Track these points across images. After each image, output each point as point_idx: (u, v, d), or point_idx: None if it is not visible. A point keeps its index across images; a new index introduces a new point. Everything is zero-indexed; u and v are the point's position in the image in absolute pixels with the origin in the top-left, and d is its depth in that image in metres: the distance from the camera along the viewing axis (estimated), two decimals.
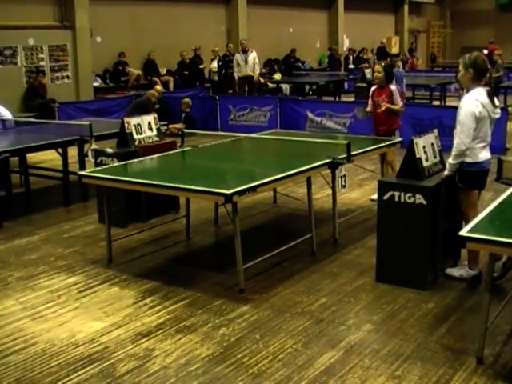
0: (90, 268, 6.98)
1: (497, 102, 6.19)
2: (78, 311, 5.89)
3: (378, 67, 9.68)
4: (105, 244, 7.20)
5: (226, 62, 21.03)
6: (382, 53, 30.33)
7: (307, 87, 23.59)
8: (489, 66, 6.23)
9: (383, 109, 9.14)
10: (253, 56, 19.82)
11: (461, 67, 6.15)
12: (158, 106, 15.22)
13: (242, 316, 5.71)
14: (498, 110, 6.20)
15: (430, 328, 5.42)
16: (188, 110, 16.25)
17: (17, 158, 10.11)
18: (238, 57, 19.87)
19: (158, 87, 15.16)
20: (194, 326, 5.53)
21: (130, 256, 7.33)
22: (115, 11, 19.59)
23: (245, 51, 19.86)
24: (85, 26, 18.31)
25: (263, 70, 24.62)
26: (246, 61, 19.67)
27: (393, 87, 9.40)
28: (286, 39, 26.13)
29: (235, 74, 20.07)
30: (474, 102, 5.95)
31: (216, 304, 5.97)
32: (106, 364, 4.94)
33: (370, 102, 9.48)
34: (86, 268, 6.98)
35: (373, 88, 9.62)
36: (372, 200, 9.07)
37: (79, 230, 8.31)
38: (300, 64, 26.82)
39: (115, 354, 5.09)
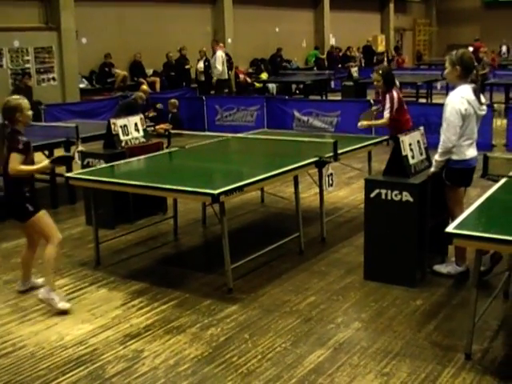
0: (78, 270, 6.96)
1: (483, 99, 6.21)
2: (66, 314, 5.86)
3: (376, 76, 9.09)
4: (92, 246, 7.19)
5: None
6: (367, 51, 30.44)
7: (294, 86, 23.60)
8: (475, 63, 6.25)
9: (364, 125, 9.17)
10: (216, 55, 19.97)
11: (447, 64, 6.16)
12: (160, 105, 15.29)
13: (230, 316, 5.71)
14: (484, 107, 6.23)
15: (419, 325, 5.44)
16: (175, 110, 16.23)
17: None
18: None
19: (145, 87, 15.13)
20: (182, 327, 5.53)
21: (118, 257, 7.31)
22: (101, 12, 19.54)
23: (214, 52, 20.10)
24: (70, 28, 18.26)
25: (250, 70, 24.66)
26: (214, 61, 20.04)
27: (389, 95, 8.95)
28: (272, 39, 26.15)
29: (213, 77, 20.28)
30: (459, 100, 5.97)
31: (204, 304, 5.97)
32: (95, 366, 4.93)
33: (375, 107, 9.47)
34: (73, 270, 6.96)
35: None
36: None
37: (67, 232, 8.27)
38: (287, 63, 26.84)
39: (104, 356, 5.07)
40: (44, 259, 6.03)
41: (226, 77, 20.53)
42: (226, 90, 20.43)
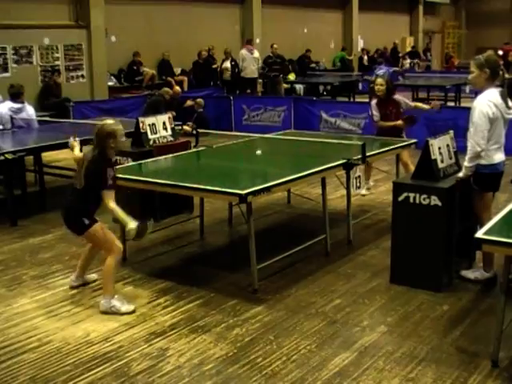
0: None
1: (510, 103, 6.15)
2: (92, 310, 5.90)
3: (380, 80, 9.28)
4: None
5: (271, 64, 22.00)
6: (393, 53, 30.30)
7: (321, 88, 23.55)
8: (502, 67, 6.20)
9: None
10: (254, 55, 21.01)
11: (474, 68, 6.09)
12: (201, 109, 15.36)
13: (255, 316, 5.71)
14: None
15: (445, 330, 5.40)
16: (200, 109, 16.25)
17: (32, 157, 10.15)
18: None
19: (177, 88, 15.16)
20: (207, 326, 5.54)
21: (144, 255, 7.34)
22: (130, 11, 19.63)
23: (250, 51, 20.97)
24: (100, 26, 18.35)
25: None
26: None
27: (397, 97, 9.38)
28: (300, 39, 26.11)
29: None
30: (487, 103, 5.92)
31: (230, 304, 5.97)
32: (120, 363, 4.95)
33: (377, 113, 9.29)
34: (100, 267, 6.98)
35: (375, 101, 9.36)
36: (363, 195, 9.45)
37: None
38: (314, 64, 26.78)
39: (129, 354, 5.10)
40: (104, 270, 6.02)
41: (256, 75, 21.05)
42: (249, 91, 20.74)
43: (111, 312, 5.82)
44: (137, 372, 4.82)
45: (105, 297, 5.92)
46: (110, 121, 6.05)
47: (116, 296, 5.94)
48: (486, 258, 6.28)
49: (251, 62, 20.66)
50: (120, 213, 5.80)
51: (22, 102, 10.40)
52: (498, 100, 5.98)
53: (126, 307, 5.88)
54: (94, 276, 6.59)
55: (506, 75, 6.28)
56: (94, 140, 5.91)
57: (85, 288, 6.42)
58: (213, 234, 8.10)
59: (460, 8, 40.39)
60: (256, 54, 21.09)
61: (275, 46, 22.33)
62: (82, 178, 5.83)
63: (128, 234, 5.94)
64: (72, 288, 6.42)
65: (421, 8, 35.64)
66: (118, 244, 6.04)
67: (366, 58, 29.01)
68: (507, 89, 6.24)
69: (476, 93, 6.27)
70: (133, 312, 5.85)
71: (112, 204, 5.77)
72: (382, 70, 14.63)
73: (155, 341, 5.31)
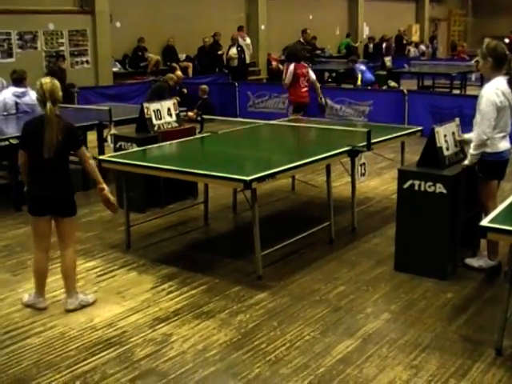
0: (109, 253, 7.01)
1: None
2: (96, 295, 5.90)
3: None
4: (123, 229, 7.22)
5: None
6: (399, 41, 30.16)
7: (326, 74, 23.45)
8: (508, 54, 6.15)
9: None
10: (247, 42, 21.30)
11: (479, 58, 6.09)
12: (185, 90, 15.28)
13: (259, 303, 5.71)
14: None
15: (449, 318, 5.40)
16: (205, 96, 16.23)
17: None
18: None
19: (179, 73, 15.14)
20: (211, 312, 5.54)
21: (148, 241, 7.34)
22: None
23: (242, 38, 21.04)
24: (104, 11, 18.28)
25: (282, 57, 24.55)
26: None
27: (286, 67, 11.72)
28: (305, 26, 25.94)
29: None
30: (494, 91, 5.89)
31: (234, 290, 5.97)
32: (124, 348, 4.96)
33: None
34: (104, 252, 7.00)
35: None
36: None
37: (98, 214, 8.32)
38: (320, 51, 26.66)
39: (133, 339, 5.11)
40: (70, 265, 5.67)
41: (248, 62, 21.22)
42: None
43: (80, 307, 5.64)
44: (140, 357, 4.83)
45: (72, 295, 5.67)
46: (47, 78, 5.61)
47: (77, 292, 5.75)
48: (491, 247, 6.27)
49: (245, 48, 20.77)
50: (98, 172, 5.70)
51: (25, 87, 10.36)
52: (506, 88, 5.95)
53: (90, 297, 5.79)
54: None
55: None
56: (51, 97, 5.43)
57: (89, 274, 6.42)
58: (217, 221, 8.10)
59: None
60: (248, 40, 21.34)
61: (309, 31, 21.06)
62: (52, 146, 5.36)
63: (108, 199, 5.74)
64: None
65: None
66: None
67: (371, 45, 28.85)
68: None
69: (482, 81, 6.23)
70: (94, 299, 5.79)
71: (92, 161, 5.68)
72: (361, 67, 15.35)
73: (159, 326, 5.31)
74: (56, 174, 5.50)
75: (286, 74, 11.51)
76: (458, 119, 6.68)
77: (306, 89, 11.47)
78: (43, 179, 5.50)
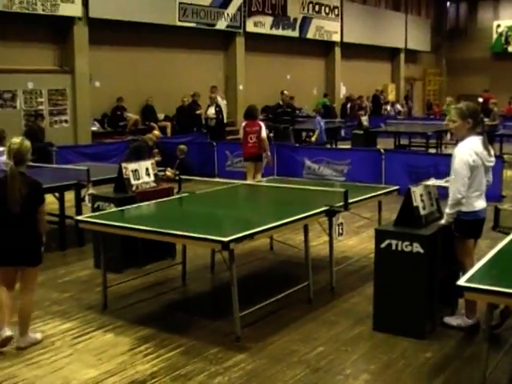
0: (85, 314, 6.92)
1: (492, 151, 6.23)
2: (72, 357, 5.82)
3: None
4: (100, 290, 7.16)
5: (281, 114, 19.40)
6: (375, 100, 30.61)
7: (304, 134, 23.68)
8: (481, 114, 6.28)
9: None
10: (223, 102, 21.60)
11: (456, 118, 6.18)
12: (156, 150, 15.30)
13: (238, 364, 5.65)
14: (493, 159, 6.24)
15: (428, 378, 5.38)
16: (182, 156, 16.32)
17: None
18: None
19: (156, 132, 15.22)
20: (189, 375, 5.47)
21: (126, 302, 7.27)
22: (114, 56, 19.79)
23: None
24: (84, 71, 18.47)
25: (260, 117, 24.75)
26: None
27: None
28: (283, 86, 26.26)
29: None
30: (467, 151, 5.99)
31: (212, 352, 5.91)
32: None
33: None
34: (80, 314, 6.92)
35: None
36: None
37: (74, 274, 8.26)
38: (297, 111, 26.94)
39: None
40: (28, 308, 6.11)
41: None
42: None
43: (30, 345, 6.02)
44: None
45: (23, 334, 6.06)
46: (20, 137, 6.22)
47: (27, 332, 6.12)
48: (469, 305, 6.27)
49: (223, 108, 21.07)
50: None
51: (4, 146, 10.34)
52: (479, 148, 6.05)
53: (38, 334, 6.22)
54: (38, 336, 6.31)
55: (487, 122, 6.37)
56: (14, 158, 5.94)
57: (65, 335, 6.33)
58: (195, 281, 8.05)
59: (440, 56, 41.01)
60: (224, 101, 21.99)
61: (286, 92, 19.97)
62: (17, 202, 5.82)
63: None
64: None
65: (402, 56, 36.16)
66: None
67: (349, 105, 29.25)
68: (487, 136, 6.33)
69: (457, 140, 6.34)
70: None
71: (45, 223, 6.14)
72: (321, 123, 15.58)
73: None
74: (22, 227, 5.90)
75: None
76: (433, 178, 6.73)
77: (252, 145, 12.65)
78: (9, 232, 5.90)
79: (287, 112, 19.26)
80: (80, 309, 7.08)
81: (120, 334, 6.40)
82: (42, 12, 17.22)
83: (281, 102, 19.48)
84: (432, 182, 6.56)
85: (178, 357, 5.83)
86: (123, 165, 8.62)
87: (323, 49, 29.88)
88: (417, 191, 6.31)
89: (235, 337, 6.13)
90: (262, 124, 12.99)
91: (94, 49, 18.64)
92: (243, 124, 12.89)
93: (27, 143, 6.05)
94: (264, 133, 12.72)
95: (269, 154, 13.03)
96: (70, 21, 18.10)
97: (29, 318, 6.15)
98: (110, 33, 19.39)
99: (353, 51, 30.50)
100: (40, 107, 17.70)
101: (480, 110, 6.30)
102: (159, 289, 7.74)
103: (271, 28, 25.72)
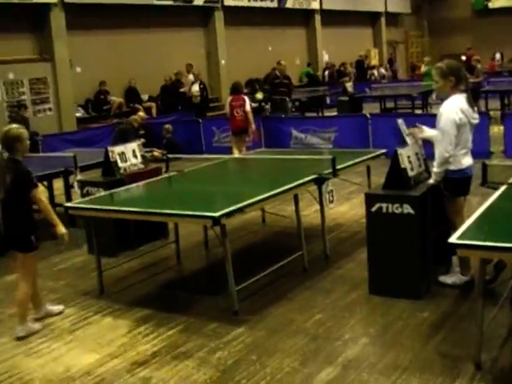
0: (82, 300, 6.93)
1: (475, 108, 6.22)
2: (72, 344, 5.85)
3: None
4: (95, 275, 7.16)
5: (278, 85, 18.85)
6: (359, 66, 30.50)
7: (290, 104, 23.61)
8: (465, 71, 6.27)
9: None
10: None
11: (438, 78, 6.16)
12: (142, 132, 15.24)
13: (237, 338, 5.68)
14: (477, 116, 6.23)
15: (426, 337, 5.41)
16: (169, 135, 16.28)
17: None
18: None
19: (141, 114, 15.17)
20: (189, 352, 5.50)
21: (122, 285, 7.28)
22: (94, 41, 19.64)
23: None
24: (64, 58, 18.35)
25: (244, 90, 24.67)
26: None
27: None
28: (266, 58, 26.20)
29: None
30: (454, 109, 5.99)
31: (210, 328, 5.93)
32: None
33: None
34: (77, 300, 6.93)
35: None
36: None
37: (69, 262, 8.26)
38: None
39: None
40: (20, 296, 6.16)
41: None
42: None
43: (29, 334, 6.07)
44: None
45: (22, 323, 6.12)
46: (14, 125, 6.31)
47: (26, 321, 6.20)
48: (463, 262, 6.31)
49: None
50: (52, 211, 6.10)
51: None
52: (465, 105, 6.04)
53: (37, 324, 6.25)
54: (59, 308, 6.58)
55: (471, 79, 6.36)
56: (3, 145, 6.06)
57: (64, 323, 6.34)
58: (189, 259, 8.07)
59: (422, 17, 40.82)
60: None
61: (283, 62, 19.24)
62: (1, 187, 5.95)
63: (62, 237, 6.16)
64: (36, 320, 6.38)
65: (383, 20, 36.04)
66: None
67: (327, 72, 29.09)
68: (471, 93, 6.32)
69: (442, 98, 6.33)
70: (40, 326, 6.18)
71: (45, 199, 6.15)
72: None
73: (138, 370, 5.26)
74: (7, 213, 6.02)
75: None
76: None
77: (240, 118, 13.16)
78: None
79: (284, 83, 18.88)
80: (77, 295, 7.08)
81: (118, 317, 6.42)
82: (16, 1, 17.06)
83: (277, 73, 19.20)
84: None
85: (178, 335, 5.86)
86: (109, 148, 8.59)
87: (303, 18, 29.75)
88: (404, 153, 6.31)
89: (233, 311, 6.15)
90: (246, 98, 13.52)
91: (73, 34, 18.51)
92: (229, 99, 13.39)
93: (14, 131, 6.05)
94: (248, 106, 13.20)
95: (253, 126, 13.25)
96: (45, 7, 17.98)
97: (21, 307, 6.16)
98: (87, 17, 19.24)
99: (333, 18, 30.37)
100: (22, 97, 17.59)
101: (462, 67, 6.28)
102: (154, 269, 7.75)
103: (249, 0, 25.54)
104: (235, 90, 13.49)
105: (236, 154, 12.67)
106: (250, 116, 13.21)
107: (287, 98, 18.87)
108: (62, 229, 6.13)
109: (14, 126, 6.27)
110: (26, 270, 6.15)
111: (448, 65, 6.15)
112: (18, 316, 6.15)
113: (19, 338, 6.00)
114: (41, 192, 6.13)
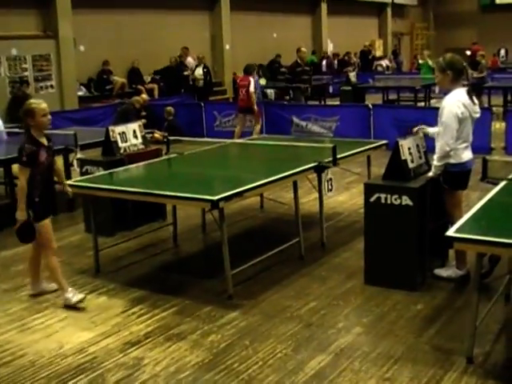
0: (78, 278, 6.94)
1: (476, 101, 6.20)
2: (66, 322, 5.85)
3: None
4: (92, 254, 7.16)
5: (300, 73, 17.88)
6: (364, 56, 30.42)
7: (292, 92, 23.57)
8: (465, 65, 6.24)
9: None
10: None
11: (437, 72, 6.18)
12: (144, 113, 15.21)
13: (230, 322, 5.69)
14: (478, 110, 6.21)
15: (420, 329, 5.42)
16: (171, 117, 16.25)
17: (1, 169, 10.04)
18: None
19: (144, 96, 15.14)
20: (183, 334, 5.51)
21: (118, 265, 7.29)
22: (99, 20, 19.54)
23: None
24: (68, 36, 18.25)
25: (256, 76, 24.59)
26: None
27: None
28: (270, 44, 26.14)
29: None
30: (456, 103, 5.97)
31: (205, 311, 5.94)
32: (95, 374, 4.91)
33: None
34: (73, 278, 6.92)
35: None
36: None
37: (66, 240, 8.26)
38: (284, 69, 26.78)
39: (104, 364, 5.05)
40: (46, 267, 6.30)
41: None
42: None
43: (68, 305, 6.13)
44: (112, 382, 4.79)
45: (62, 293, 6.22)
46: (33, 100, 6.29)
47: (69, 289, 6.20)
48: (459, 256, 6.32)
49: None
50: (22, 198, 5.91)
51: None
52: (467, 100, 6.03)
53: (76, 297, 6.15)
54: (53, 286, 6.53)
55: (475, 74, 6.33)
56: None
57: (59, 300, 6.34)
58: (186, 241, 8.07)
59: (428, 9, 40.70)
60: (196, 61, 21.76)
61: (303, 49, 18.56)
62: None
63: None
64: (31, 296, 6.44)
65: (389, 10, 35.89)
66: (54, 245, 6.27)
67: (324, 62, 28.93)
68: (472, 88, 6.30)
69: (445, 92, 6.31)
70: (83, 298, 6.16)
71: (22, 181, 5.88)
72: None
73: (130, 350, 5.27)
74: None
75: None
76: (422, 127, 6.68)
77: (243, 97, 14.11)
78: None
79: (305, 71, 17.87)
80: (72, 273, 7.08)
81: (113, 296, 6.43)
82: None
83: (299, 61, 17.97)
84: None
85: (172, 317, 5.87)
86: (110, 128, 8.58)
87: (309, 6, 29.63)
88: (405, 144, 6.30)
89: (227, 295, 6.16)
90: (252, 80, 14.15)
91: (78, 12, 18.40)
92: (239, 79, 14.70)
93: (25, 106, 6.02)
94: (252, 87, 13.94)
95: (255, 107, 14.01)
96: None
97: (54, 278, 6.27)
98: None
99: (339, 7, 30.23)
100: (25, 73, 17.51)
101: (461, 60, 6.25)
102: (151, 250, 7.76)
103: None
104: (245, 70, 14.40)
105: (237, 132, 14.20)
106: (253, 97, 13.99)
107: (308, 87, 18.15)
108: (19, 215, 5.95)
109: (32, 100, 6.24)
110: (41, 240, 6.13)
111: (445, 59, 6.14)
112: (59, 287, 6.29)
113: (77, 303, 6.11)
114: (22, 172, 5.91)
